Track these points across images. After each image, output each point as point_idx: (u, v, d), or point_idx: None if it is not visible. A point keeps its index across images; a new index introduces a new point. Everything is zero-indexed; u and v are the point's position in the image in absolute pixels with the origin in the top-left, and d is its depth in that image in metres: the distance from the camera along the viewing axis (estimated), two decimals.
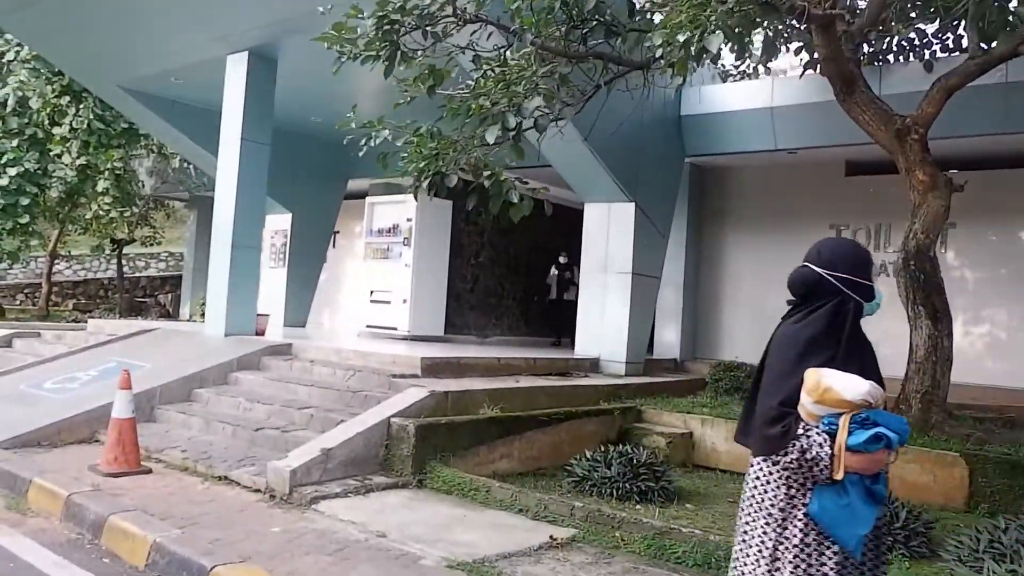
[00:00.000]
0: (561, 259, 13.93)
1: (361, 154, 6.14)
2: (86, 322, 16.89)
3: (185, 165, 18.14)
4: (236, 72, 10.22)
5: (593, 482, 6.53)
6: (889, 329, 10.55)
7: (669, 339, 12.22)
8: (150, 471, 6.43)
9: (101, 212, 15.35)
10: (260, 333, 10.36)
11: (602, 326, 10.51)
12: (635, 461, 6.60)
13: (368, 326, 12.17)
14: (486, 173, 5.67)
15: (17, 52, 13.85)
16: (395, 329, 11.73)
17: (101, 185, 15.04)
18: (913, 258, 7.60)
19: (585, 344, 10.62)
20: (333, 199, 15.18)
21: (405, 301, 11.61)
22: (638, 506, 6.29)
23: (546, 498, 5.59)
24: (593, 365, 10.35)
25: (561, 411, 7.70)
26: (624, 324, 10.30)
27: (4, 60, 14.11)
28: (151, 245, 23.51)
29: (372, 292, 12.18)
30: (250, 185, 10.17)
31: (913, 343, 7.48)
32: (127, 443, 6.38)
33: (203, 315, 16.42)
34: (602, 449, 6.91)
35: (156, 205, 21.27)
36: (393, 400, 6.81)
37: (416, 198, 6.41)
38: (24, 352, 11.37)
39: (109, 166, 14.89)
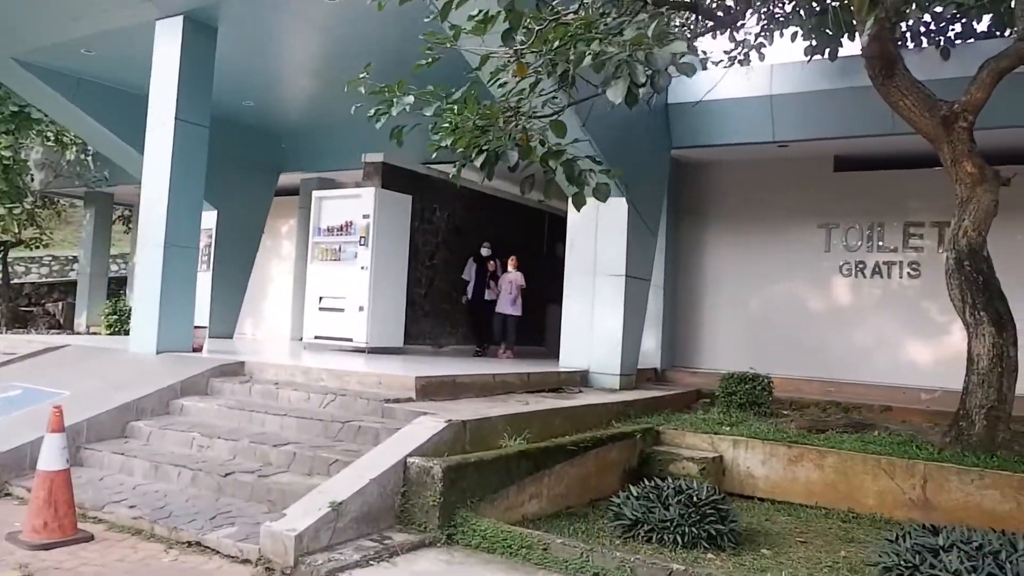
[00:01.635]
0: (483, 251, 12.58)
1: (378, 126, 4.84)
2: None
3: (83, 156, 16.03)
4: (168, 41, 8.63)
5: (651, 526, 5.44)
6: (928, 334, 9.88)
7: (648, 347, 11.26)
8: (91, 537, 4.94)
9: None
10: (197, 349, 8.79)
11: (591, 335, 9.45)
12: (696, 499, 5.55)
13: (316, 337, 10.70)
14: (540, 150, 4.48)
15: None
16: (350, 340, 10.32)
17: None
18: (967, 258, 6.88)
19: (571, 355, 9.54)
20: (263, 195, 13.58)
21: (362, 309, 10.22)
22: (708, 554, 5.26)
23: (630, 559, 4.44)
24: (583, 378, 9.29)
25: (587, 438, 6.58)
26: (618, 332, 9.28)
27: None
28: (36, 248, 21.03)
29: (321, 299, 10.71)
30: (186, 174, 8.60)
31: (974, 352, 6.74)
32: (60, 503, 4.87)
33: (109, 327, 14.49)
34: (650, 484, 5.85)
35: (44, 203, 18.87)
36: (405, 434, 5.52)
37: (456, 184, 5.14)
38: None
39: None
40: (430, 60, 4.92)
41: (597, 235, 9.51)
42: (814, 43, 9.00)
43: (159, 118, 8.62)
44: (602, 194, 4.57)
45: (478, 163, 4.41)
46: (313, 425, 6.30)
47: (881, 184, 10.62)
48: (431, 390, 6.89)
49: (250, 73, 10.63)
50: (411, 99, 4.73)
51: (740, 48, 9.86)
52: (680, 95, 10.24)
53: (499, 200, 13.54)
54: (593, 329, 9.45)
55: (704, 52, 11.32)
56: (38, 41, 9.81)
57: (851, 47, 11.74)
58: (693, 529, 5.37)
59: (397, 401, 6.51)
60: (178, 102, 8.52)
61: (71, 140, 14.39)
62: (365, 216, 10.37)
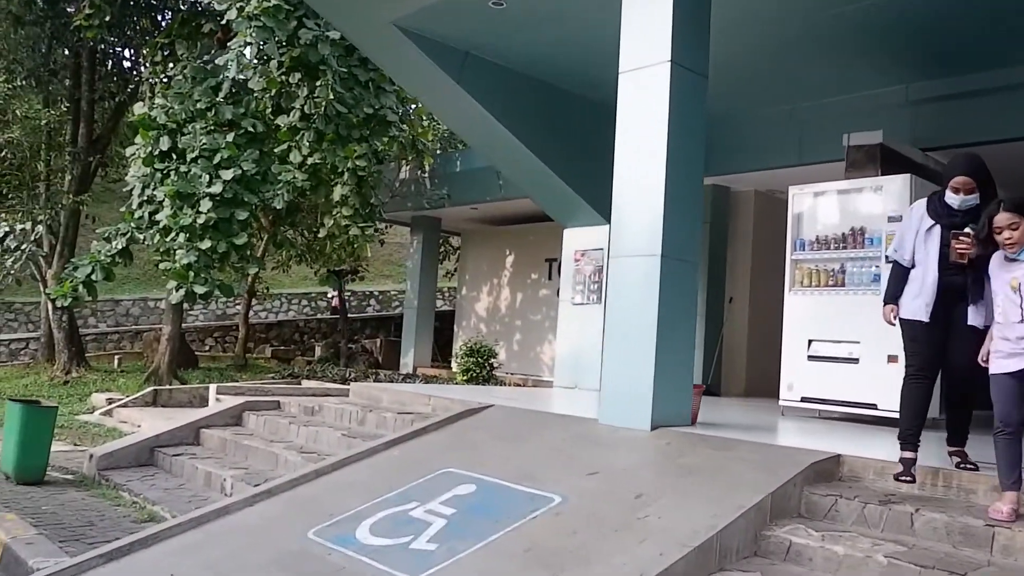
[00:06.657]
0: (950, 197, 4.29)
1: None
2: (298, 378, 12.93)
3: (422, 174, 14.06)
4: None
5: None
6: None
7: None
8: None
9: (337, 230, 11.22)
10: (692, 419, 5.61)
11: None
12: None
13: (804, 399, 7.21)
14: None
15: (241, 8, 10.01)
16: (871, 407, 6.70)
17: (338, 192, 10.94)
18: None
19: None
20: None
21: (894, 360, 6.58)
22: None
23: None
24: None
25: None
26: None
27: (225, 20, 10.33)
28: (354, 280, 19.81)
29: (810, 343, 7.23)
30: (685, 141, 5.52)
31: None
32: None
33: (465, 372, 11.99)
34: None
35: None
36: None
37: None
38: (266, 436, 7.13)
39: (349, 166, 10.77)
40: None
41: None
42: None
43: (640, 62, 5.62)
44: None
45: None
46: None
47: None
48: None
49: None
50: None
51: None
52: None
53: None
54: None
55: None
56: None
57: None
58: None
59: None
60: (673, 37, 5.48)
61: (424, 146, 12.27)
62: (891, 218, 6.78)
